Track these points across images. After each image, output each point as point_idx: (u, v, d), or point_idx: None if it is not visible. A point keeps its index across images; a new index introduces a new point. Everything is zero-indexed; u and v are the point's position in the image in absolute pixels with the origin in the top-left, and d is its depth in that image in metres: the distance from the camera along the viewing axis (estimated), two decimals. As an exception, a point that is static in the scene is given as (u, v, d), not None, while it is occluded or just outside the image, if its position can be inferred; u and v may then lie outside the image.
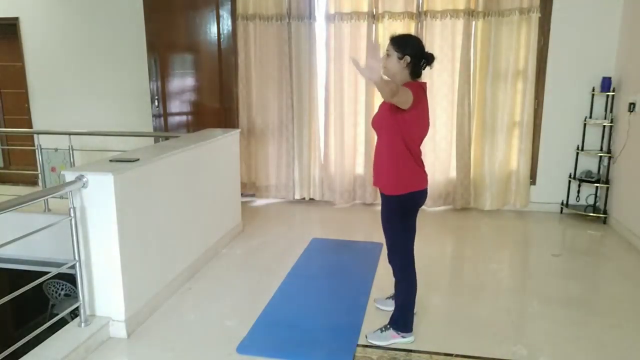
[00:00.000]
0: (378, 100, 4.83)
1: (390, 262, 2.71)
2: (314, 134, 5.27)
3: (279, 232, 4.53)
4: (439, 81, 4.87)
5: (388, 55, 2.48)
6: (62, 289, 4.71)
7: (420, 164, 2.56)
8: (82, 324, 2.65)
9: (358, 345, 2.64)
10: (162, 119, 5.41)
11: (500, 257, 4.03)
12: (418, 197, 2.56)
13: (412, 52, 2.44)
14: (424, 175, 2.57)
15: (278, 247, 4.12)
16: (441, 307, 3.10)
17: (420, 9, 4.86)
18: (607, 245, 4.29)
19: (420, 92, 2.43)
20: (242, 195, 4.90)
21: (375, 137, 2.64)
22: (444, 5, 4.77)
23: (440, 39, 4.82)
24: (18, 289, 2.39)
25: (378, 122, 2.59)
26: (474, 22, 4.78)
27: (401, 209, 2.56)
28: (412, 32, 4.80)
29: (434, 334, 2.76)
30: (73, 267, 2.65)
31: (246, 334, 2.75)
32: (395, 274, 2.68)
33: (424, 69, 2.52)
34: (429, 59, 2.48)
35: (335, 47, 5.02)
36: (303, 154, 5.31)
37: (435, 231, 4.59)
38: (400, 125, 2.43)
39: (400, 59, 2.44)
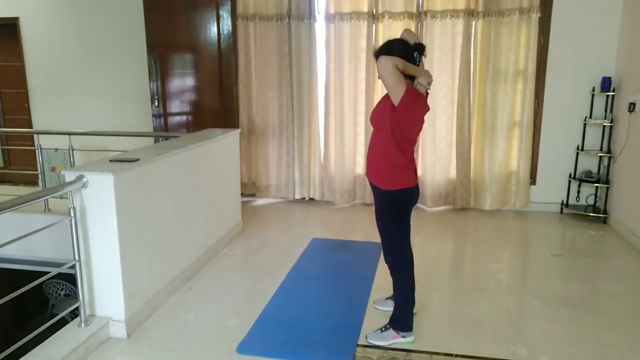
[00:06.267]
0: (378, 99, 4.83)
1: (386, 261, 2.71)
2: (314, 133, 5.27)
3: (279, 232, 4.53)
4: (439, 81, 4.86)
5: None
6: (62, 289, 4.71)
7: (413, 162, 2.59)
8: (82, 324, 2.65)
9: (358, 345, 2.64)
10: (162, 119, 5.41)
11: (500, 257, 4.03)
12: (410, 193, 2.58)
13: (398, 56, 2.40)
14: (415, 173, 2.60)
15: (278, 247, 4.12)
16: (441, 307, 3.10)
17: (420, 9, 4.86)
18: (607, 245, 4.29)
19: (415, 94, 2.43)
20: (242, 195, 4.90)
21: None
22: (444, 5, 4.77)
23: (440, 39, 4.81)
24: (18, 289, 2.39)
25: (375, 118, 2.61)
26: (474, 22, 4.78)
27: (396, 206, 2.57)
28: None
29: (434, 334, 2.76)
30: (73, 267, 2.65)
31: (246, 334, 2.75)
32: (391, 273, 2.69)
33: (419, 61, 2.50)
34: (420, 50, 2.46)
35: (335, 47, 5.03)
36: (303, 153, 5.31)
37: (435, 231, 4.59)
38: (396, 124, 2.45)
39: None
